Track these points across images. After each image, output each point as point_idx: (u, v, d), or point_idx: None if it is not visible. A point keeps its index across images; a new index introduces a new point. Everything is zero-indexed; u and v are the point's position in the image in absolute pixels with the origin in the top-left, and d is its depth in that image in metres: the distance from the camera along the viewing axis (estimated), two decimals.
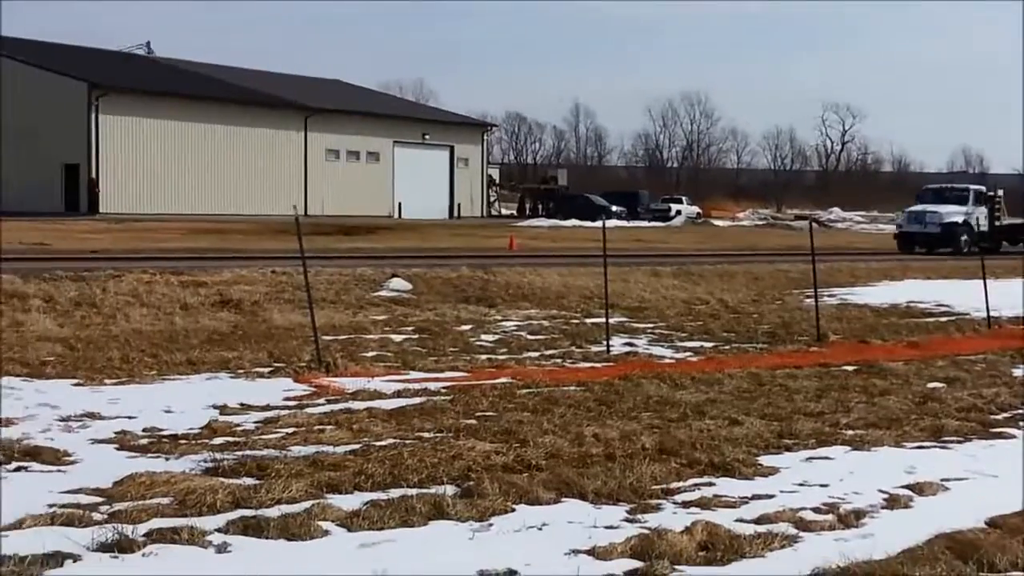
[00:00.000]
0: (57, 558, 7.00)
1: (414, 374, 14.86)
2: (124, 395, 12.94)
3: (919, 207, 51.31)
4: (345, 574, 7.01)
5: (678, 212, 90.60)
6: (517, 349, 17.42)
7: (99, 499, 8.48)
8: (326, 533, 7.80)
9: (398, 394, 13.18)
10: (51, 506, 8.18)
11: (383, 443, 10.48)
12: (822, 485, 9.37)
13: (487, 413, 12.05)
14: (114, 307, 20.26)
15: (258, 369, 14.91)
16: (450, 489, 8.84)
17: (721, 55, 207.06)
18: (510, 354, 16.95)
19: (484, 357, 16.53)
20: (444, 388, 13.62)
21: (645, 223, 79.63)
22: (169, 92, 71.27)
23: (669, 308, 23.55)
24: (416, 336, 18.59)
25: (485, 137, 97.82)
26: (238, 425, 11.46)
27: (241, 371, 14.75)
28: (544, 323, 20.64)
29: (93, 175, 65.64)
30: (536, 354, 17.01)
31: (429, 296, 24.17)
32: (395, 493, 8.73)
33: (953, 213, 49.75)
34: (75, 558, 7.07)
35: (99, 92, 65.83)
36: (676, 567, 7.25)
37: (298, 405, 12.56)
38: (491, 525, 8.07)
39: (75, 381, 13.76)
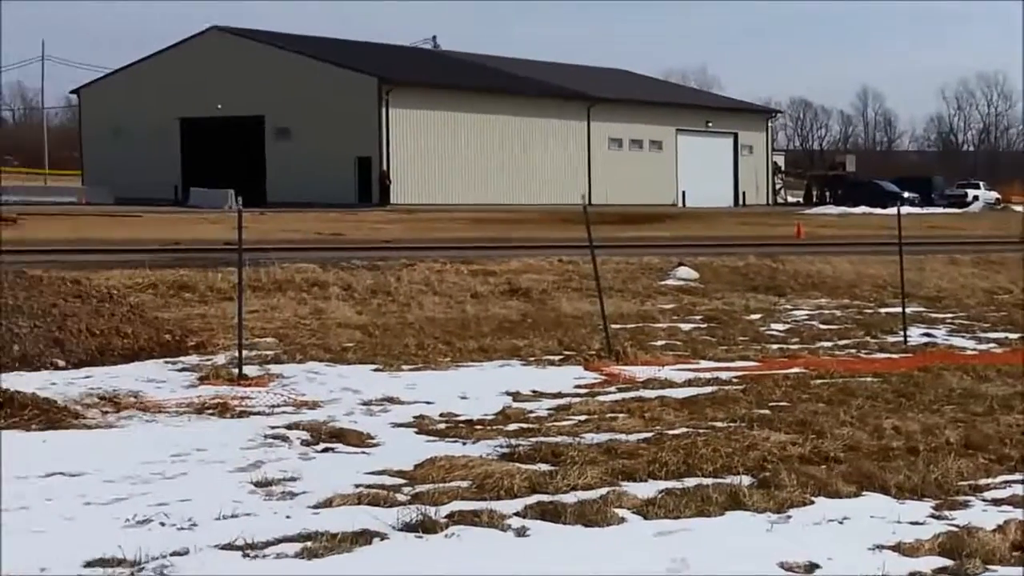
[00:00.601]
0: (366, 536, 7.23)
1: (704, 363, 14.73)
2: (420, 381, 13.30)
3: None
4: (643, 561, 6.98)
5: (975, 198, 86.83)
6: (809, 339, 17.06)
7: (402, 480, 8.73)
8: (622, 520, 7.79)
9: (689, 383, 13.10)
10: (357, 486, 8.48)
11: (676, 432, 10.42)
12: None
13: (781, 403, 11.84)
14: (408, 295, 20.87)
15: (548, 357, 15.06)
16: (746, 479, 8.70)
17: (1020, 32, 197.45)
18: (802, 344, 16.61)
19: (775, 347, 16.25)
20: (735, 377, 13.46)
21: (939, 209, 76.72)
22: (455, 85, 73.01)
23: (969, 297, 22.61)
24: (705, 325, 18.43)
25: (769, 124, 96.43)
26: (531, 412, 11.61)
27: (532, 359, 14.93)
28: (836, 312, 20.14)
29: (384, 167, 67.85)
30: (829, 344, 16.61)
31: (717, 285, 23.95)
32: (690, 482, 8.66)
33: None
34: (382, 536, 7.29)
35: (388, 87, 67.98)
36: (988, 567, 6.92)
37: (589, 393, 12.63)
38: (789, 517, 7.90)
39: (374, 366, 14.23)
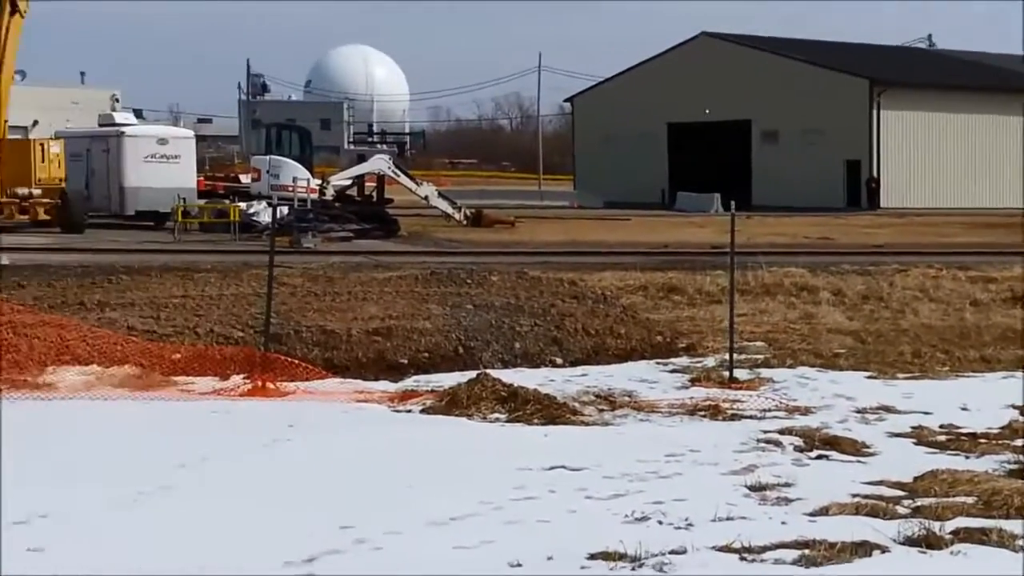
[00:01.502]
0: (866, 547, 7.03)
1: None
2: (917, 390, 12.84)
3: None
4: None
5: None
6: None
7: (901, 492, 8.44)
8: None
9: None
10: (854, 496, 8.28)
11: None
12: None
13: None
14: (901, 301, 20.16)
15: None
16: None
17: None
18: None
19: None
20: None
21: None
22: (950, 85, 70.03)
23: None
24: None
25: None
26: None
27: None
28: None
29: (873, 171, 66.17)
30: None
31: None
32: None
33: None
34: (882, 549, 7.06)
35: (880, 88, 66.16)
36: None
37: None
38: None
39: (867, 374, 13.88)
